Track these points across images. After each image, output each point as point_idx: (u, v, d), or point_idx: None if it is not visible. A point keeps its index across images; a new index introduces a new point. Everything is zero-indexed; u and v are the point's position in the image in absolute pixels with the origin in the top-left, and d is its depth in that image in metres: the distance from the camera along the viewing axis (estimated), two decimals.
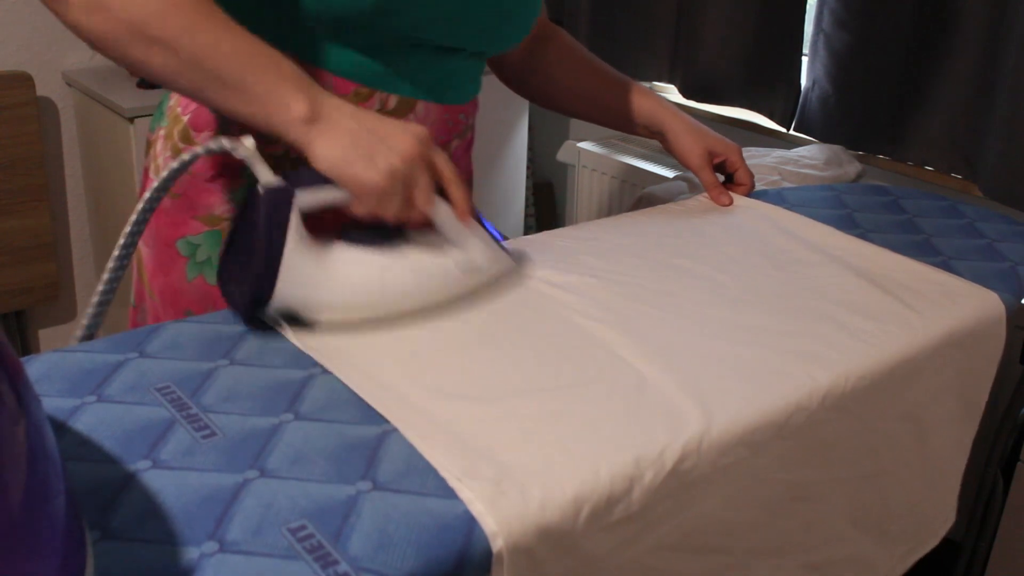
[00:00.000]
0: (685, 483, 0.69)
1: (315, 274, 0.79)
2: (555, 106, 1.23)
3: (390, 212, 0.80)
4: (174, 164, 0.80)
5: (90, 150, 2.25)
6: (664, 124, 1.16)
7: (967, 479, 1.06)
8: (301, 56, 0.89)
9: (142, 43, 0.77)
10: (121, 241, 0.82)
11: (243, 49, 0.78)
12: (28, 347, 2.35)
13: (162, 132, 1.00)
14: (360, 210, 0.80)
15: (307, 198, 0.78)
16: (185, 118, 0.96)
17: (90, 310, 0.81)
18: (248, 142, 0.78)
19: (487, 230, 0.89)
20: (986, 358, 0.97)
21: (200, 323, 0.81)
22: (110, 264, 0.81)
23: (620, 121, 1.19)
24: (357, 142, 0.78)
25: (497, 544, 0.59)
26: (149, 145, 1.04)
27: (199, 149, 0.79)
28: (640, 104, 1.17)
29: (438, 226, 0.84)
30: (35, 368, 0.73)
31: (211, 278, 0.97)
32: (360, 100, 0.92)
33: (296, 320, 0.81)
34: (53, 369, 0.73)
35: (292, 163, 0.85)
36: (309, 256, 0.79)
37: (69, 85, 2.22)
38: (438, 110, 0.98)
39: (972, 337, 0.92)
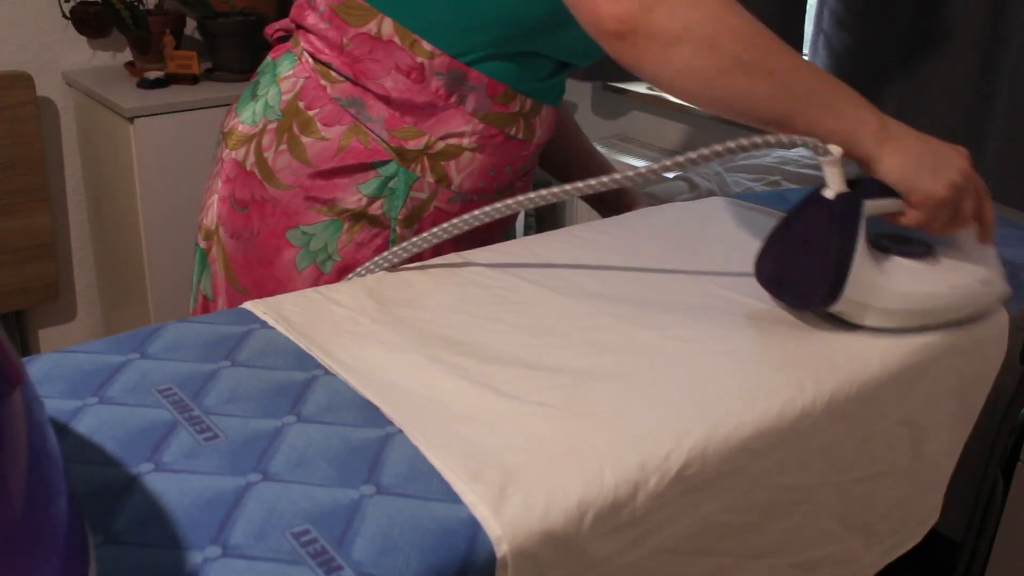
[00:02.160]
0: (689, 488, 0.69)
1: (874, 278, 0.84)
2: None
3: (941, 224, 0.85)
4: (739, 141, 0.82)
5: (90, 150, 2.25)
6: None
7: (967, 479, 1.06)
8: (460, 59, 0.96)
9: (746, 72, 0.80)
10: (486, 208, 0.88)
11: (813, 67, 0.84)
12: (28, 347, 2.35)
13: (272, 126, 1.02)
14: (913, 220, 0.85)
15: (871, 205, 0.83)
16: (311, 112, 1.01)
17: (377, 261, 0.90)
18: (836, 150, 0.82)
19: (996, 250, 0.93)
20: (988, 363, 0.97)
21: (202, 324, 0.81)
22: (445, 225, 0.89)
23: (593, 201, 1.35)
24: (923, 157, 0.83)
25: (501, 549, 0.59)
26: (233, 134, 1.06)
27: (784, 138, 0.82)
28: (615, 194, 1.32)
29: (963, 241, 0.90)
30: (36, 369, 0.73)
31: (326, 267, 1.02)
32: (507, 101, 1.01)
33: (836, 318, 0.86)
34: (54, 370, 0.73)
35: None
36: (869, 261, 0.84)
37: (69, 85, 2.22)
38: (551, 113, 1.08)
39: (975, 342, 0.92)
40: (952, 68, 1.66)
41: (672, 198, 1.57)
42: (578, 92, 2.45)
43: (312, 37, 1.02)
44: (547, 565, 0.62)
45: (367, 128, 0.99)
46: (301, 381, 0.73)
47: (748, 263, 0.99)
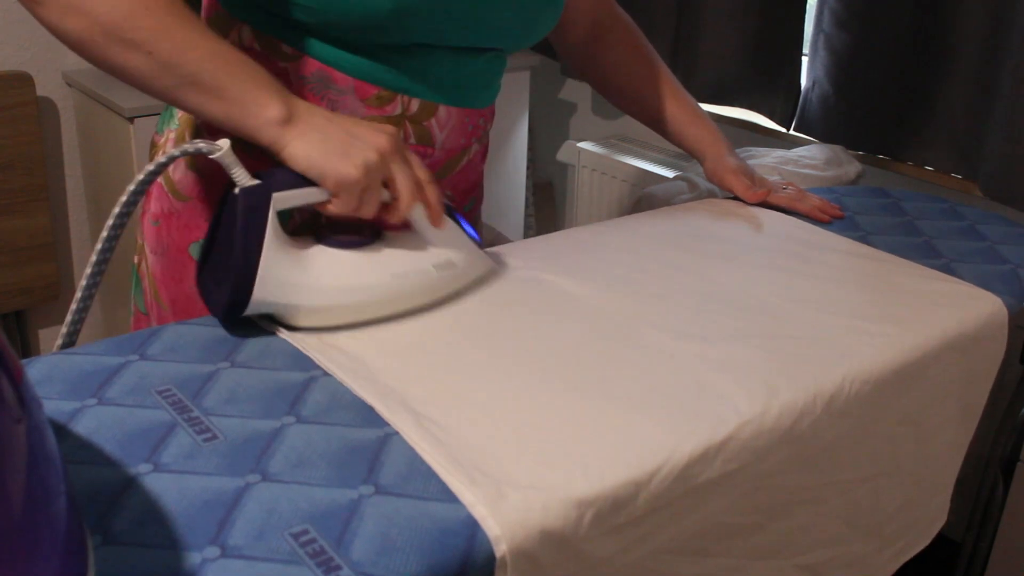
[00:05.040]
0: (690, 488, 0.69)
1: (293, 276, 0.78)
2: (609, 99, 1.27)
3: (367, 208, 0.79)
4: (150, 166, 0.80)
5: (90, 150, 2.25)
6: (705, 156, 1.20)
7: (967, 479, 1.06)
8: (322, 61, 0.89)
9: (118, 45, 0.77)
10: (99, 246, 0.82)
11: (217, 52, 0.79)
12: (28, 347, 2.34)
13: (172, 135, 0.99)
14: (338, 208, 0.79)
15: (284, 198, 0.77)
16: (199, 121, 0.95)
17: (69, 317, 0.82)
18: (224, 143, 0.76)
19: (464, 230, 0.87)
20: (988, 361, 0.97)
21: (201, 325, 0.81)
22: (88, 271, 0.81)
23: (665, 133, 1.23)
24: (331, 139, 0.78)
25: (500, 548, 0.59)
26: (155, 146, 1.03)
27: (175, 151, 0.79)
28: (687, 125, 1.20)
29: (414, 226, 0.83)
30: (36, 370, 0.73)
31: None
32: (383, 103, 0.91)
33: (275, 322, 0.81)
34: (54, 371, 0.73)
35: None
36: (287, 258, 0.78)
37: (69, 85, 2.22)
38: (458, 113, 0.97)
39: (974, 341, 0.92)
40: (952, 68, 1.66)
41: (672, 198, 1.57)
42: (578, 92, 2.45)
43: None
44: (546, 564, 0.62)
45: None
46: (300, 382, 0.73)
47: (748, 263, 0.99)
